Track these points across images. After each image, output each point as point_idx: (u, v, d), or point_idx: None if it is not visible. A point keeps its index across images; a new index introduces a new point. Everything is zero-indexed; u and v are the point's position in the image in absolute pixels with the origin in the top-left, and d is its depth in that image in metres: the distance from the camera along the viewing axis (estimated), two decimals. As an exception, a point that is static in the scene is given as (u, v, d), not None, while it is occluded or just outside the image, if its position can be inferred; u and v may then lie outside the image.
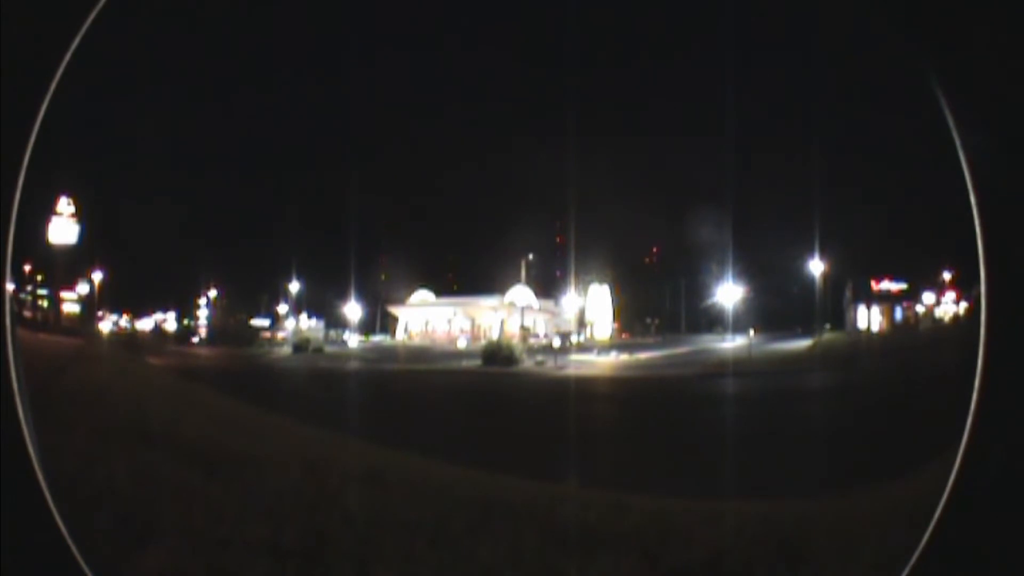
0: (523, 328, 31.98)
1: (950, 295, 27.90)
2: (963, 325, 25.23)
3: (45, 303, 29.66)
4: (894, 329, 29.74)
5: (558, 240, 30.96)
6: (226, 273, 32.21)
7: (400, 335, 34.28)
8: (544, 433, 13.78)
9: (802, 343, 28.72)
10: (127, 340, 30.43)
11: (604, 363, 29.80)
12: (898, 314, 30.12)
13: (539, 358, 28.83)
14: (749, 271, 26.22)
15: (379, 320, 34.38)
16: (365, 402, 19.39)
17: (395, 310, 34.59)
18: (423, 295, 34.45)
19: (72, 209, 24.45)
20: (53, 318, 28.99)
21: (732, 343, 28.77)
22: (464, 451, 10.69)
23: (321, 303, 33.11)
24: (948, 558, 2.36)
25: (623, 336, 33.45)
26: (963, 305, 26.52)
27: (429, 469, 9.83)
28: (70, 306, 30.00)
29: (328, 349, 32.79)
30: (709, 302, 28.41)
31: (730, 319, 27.93)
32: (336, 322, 33.95)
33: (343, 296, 31.55)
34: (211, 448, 8.87)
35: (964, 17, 2.33)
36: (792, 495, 7.92)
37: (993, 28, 2.30)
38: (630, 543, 5.88)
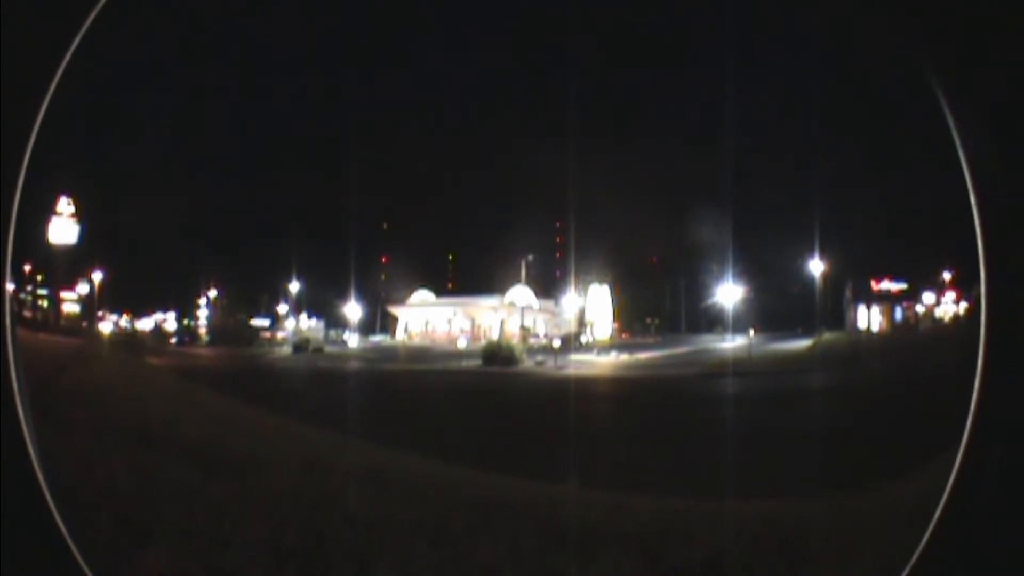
0: (523, 328, 31.98)
1: (950, 295, 27.93)
2: (963, 325, 25.24)
3: (45, 303, 29.69)
4: (894, 329, 29.75)
5: (558, 240, 30.98)
6: (226, 273, 32.27)
7: (400, 335, 34.29)
8: (544, 433, 13.78)
9: (802, 343, 28.72)
10: (127, 340, 30.44)
11: (604, 363, 29.81)
12: (898, 314, 30.14)
13: (539, 358, 28.84)
14: (749, 271, 26.27)
15: (379, 320, 34.41)
16: (365, 402, 19.39)
17: (395, 310, 34.60)
18: (423, 295, 34.46)
19: (72, 209, 24.48)
20: (53, 318, 29.00)
21: (732, 343, 28.78)
22: (464, 451, 10.68)
23: (321, 303, 33.17)
24: (948, 558, 2.36)
25: (623, 336, 33.47)
26: (963, 305, 26.54)
27: (429, 469, 9.83)
28: (70, 306, 30.02)
29: (328, 349, 32.80)
30: (709, 302, 28.45)
31: (730, 319, 27.98)
32: (336, 322, 33.99)
33: (343, 296, 31.61)
34: (211, 448, 8.87)
35: (964, 17, 2.33)
36: (792, 495, 7.92)
37: (993, 28, 2.31)
38: (630, 543, 5.87)
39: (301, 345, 32.58)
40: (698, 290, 29.38)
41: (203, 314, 34.09)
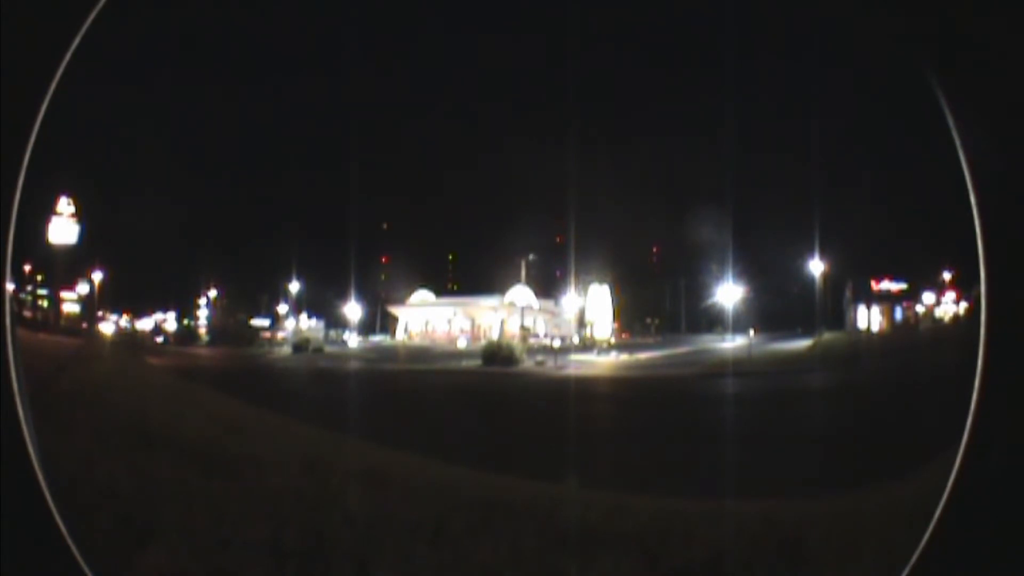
0: (523, 328, 31.98)
1: (950, 295, 27.92)
2: (963, 325, 25.23)
3: (45, 303, 29.67)
4: (894, 329, 29.74)
5: (558, 240, 30.96)
6: (226, 273, 32.24)
7: (400, 335, 34.29)
8: (544, 433, 13.78)
9: (802, 343, 28.71)
10: (127, 340, 30.44)
11: (604, 363, 29.81)
12: (898, 314, 30.13)
13: (539, 358, 28.83)
14: (749, 271, 26.26)
15: (379, 320, 34.41)
16: (365, 402, 19.39)
17: (395, 310, 34.59)
18: (423, 295, 34.45)
19: (72, 209, 24.46)
20: (53, 318, 29.00)
21: (732, 343, 28.78)
22: (464, 451, 10.68)
23: (321, 303, 33.15)
24: (948, 558, 2.36)
25: (623, 336, 33.46)
26: (963, 305, 26.53)
27: (429, 469, 9.82)
28: (70, 306, 30.01)
29: (328, 349, 32.78)
30: (709, 302, 28.44)
31: (730, 319, 27.97)
32: (336, 322, 33.97)
33: (343, 296, 31.59)
34: (211, 448, 8.87)
35: (964, 17, 2.33)
36: (792, 495, 7.92)
37: (993, 28, 2.30)
38: (630, 543, 5.87)
39: (301, 345, 32.56)
40: (698, 290, 29.39)
41: (203, 314, 34.08)
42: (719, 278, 27.12)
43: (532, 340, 31.18)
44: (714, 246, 25.26)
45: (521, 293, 32.87)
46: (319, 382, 25.44)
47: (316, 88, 30.08)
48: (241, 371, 27.59)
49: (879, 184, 22.83)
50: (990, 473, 2.31)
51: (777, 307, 27.90)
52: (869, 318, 30.22)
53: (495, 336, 31.68)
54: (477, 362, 28.60)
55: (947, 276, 27.51)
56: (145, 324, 33.13)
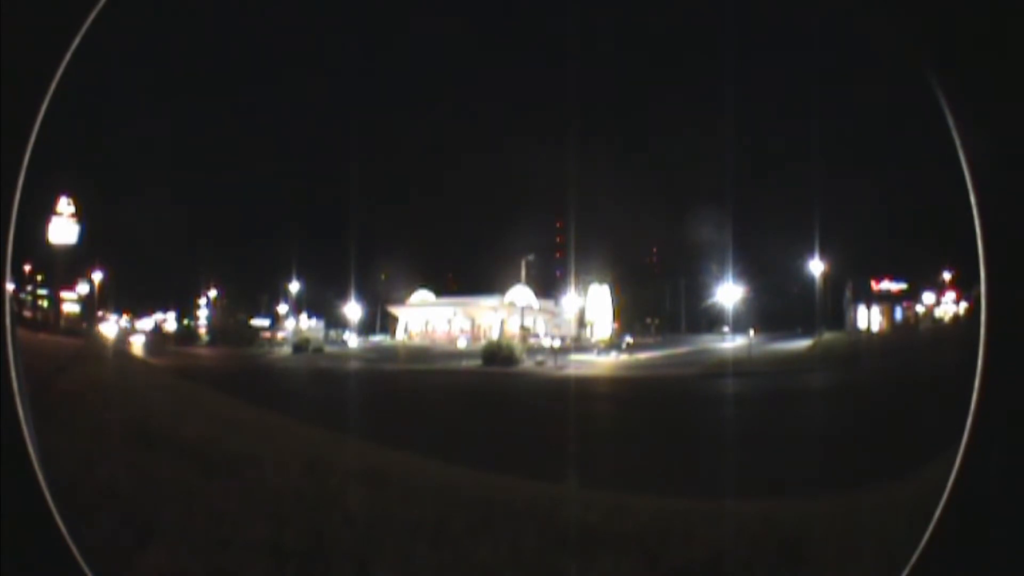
0: (523, 328, 31.98)
1: (950, 295, 27.92)
2: (963, 325, 25.24)
3: (45, 303, 29.68)
4: (894, 329, 29.74)
5: (558, 240, 30.97)
6: (226, 273, 32.25)
7: (400, 335, 34.29)
8: (544, 433, 13.78)
9: (802, 343, 28.71)
10: (127, 340, 30.45)
11: (604, 363, 29.81)
12: (898, 314, 30.13)
13: (539, 358, 28.83)
14: (749, 271, 26.27)
15: (379, 320, 34.41)
16: (365, 402, 19.39)
17: (395, 310, 34.59)
18: (423, 295, 34.45)
19: (72, 209, 24.47)
20: (53, 318, 29.00)
21: (732, 343, 28.78)
22: (464, 451, 10.68)
23: (321, 303, 33.17)
24: (948, 558, 2.36)
25: (631, 341, 33.43)
26: (963, 305, 26.53)
27: (429, 469, 9.82)
28: (70, 306, 30.01)
29: (328, 349, 32.79)
30: (709, 302, 28.44)
31: (730, 319, 27.98)
32: (336, 322, 33.98)
33: (343, 296, 31.60)
34: (211, 448, 8.87)
35: (964, 17, 2.33)
36: (792, 495, 7.92)
37: (993, 28, 2.30)
38: (630, 543, 5.87)
39: (301, 345, 32.57)
40: (698, 290, 29.40)
41: (203, 314, 34.08)
42: (719, 278, 27.15)
43: (532, 340, 31.19)
44: (714, 246, 25.28)
45: (521, 293, 32.87)
46: (319, 382, 25.44)
47: (316, 88, 30.11)
48: (241, 371, 27.59)
49: (879, 184, 22.83)
50: (990, 473, 2.31)
51: (777, 307, 27.92)
52: (869, 318, 30.22)
53: (495, 336, 31.69)
54: (477, 362, 28.60)
55: (947, 276, 27.53)
56: (145, 324, 33.14)
